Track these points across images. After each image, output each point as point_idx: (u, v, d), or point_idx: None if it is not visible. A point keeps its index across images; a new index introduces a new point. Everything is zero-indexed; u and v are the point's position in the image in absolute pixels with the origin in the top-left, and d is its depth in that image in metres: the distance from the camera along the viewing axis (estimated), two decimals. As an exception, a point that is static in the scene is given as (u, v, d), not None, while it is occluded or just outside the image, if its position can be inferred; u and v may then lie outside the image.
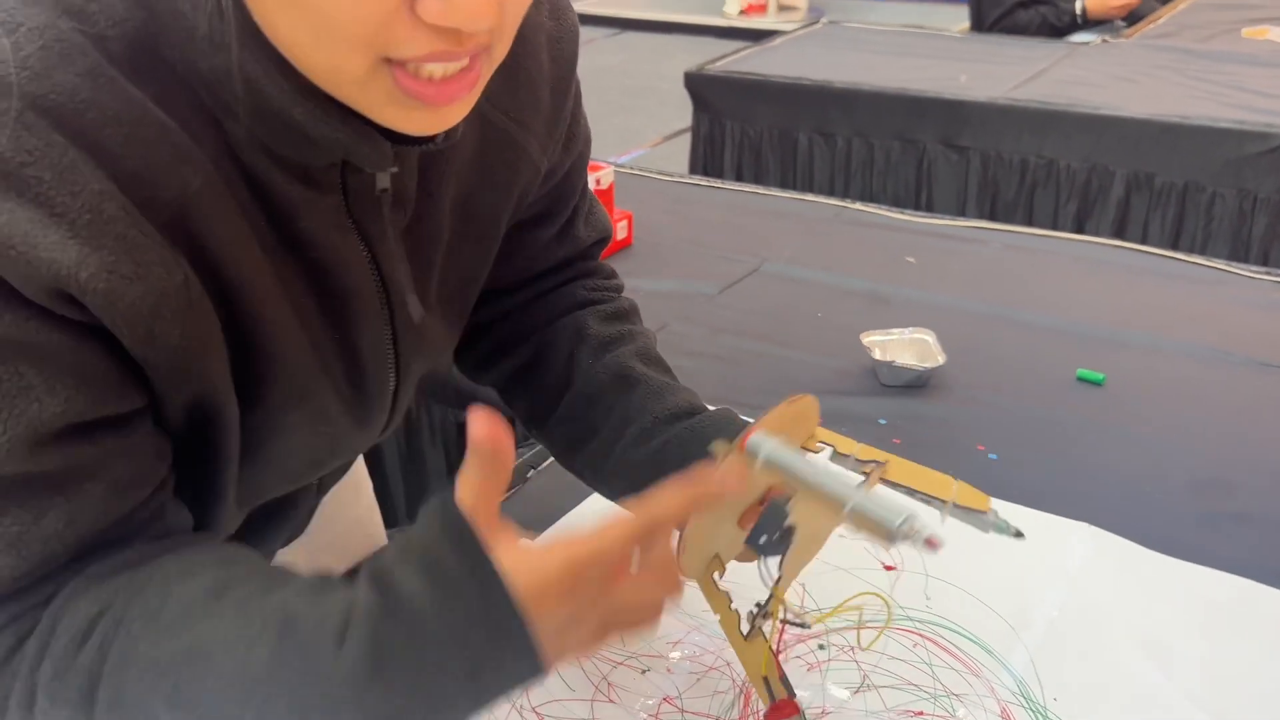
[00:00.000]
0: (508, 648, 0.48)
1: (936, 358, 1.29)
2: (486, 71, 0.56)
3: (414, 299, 0.70)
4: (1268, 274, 1.57)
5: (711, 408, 0.82)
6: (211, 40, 0.52)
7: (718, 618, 0.71)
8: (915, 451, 1.15)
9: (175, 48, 0.52)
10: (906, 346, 1.32)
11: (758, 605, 0.72)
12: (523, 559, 0.48)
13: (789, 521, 0.69)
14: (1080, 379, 1.29)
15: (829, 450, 0.73)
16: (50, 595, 0.54)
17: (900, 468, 0.69)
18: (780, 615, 0.72)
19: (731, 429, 0.78)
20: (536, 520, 1.00)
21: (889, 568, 0.95)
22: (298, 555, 0.88)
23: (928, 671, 0.84)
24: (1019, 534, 0.67)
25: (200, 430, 0.59)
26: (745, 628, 0.71)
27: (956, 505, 0.67)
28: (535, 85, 0.72)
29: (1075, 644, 0.87)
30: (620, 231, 1.68)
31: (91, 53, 0.50)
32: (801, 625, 0.78)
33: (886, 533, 0.61)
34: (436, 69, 0.52)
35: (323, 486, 0.86)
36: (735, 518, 0.70)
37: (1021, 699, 0.81)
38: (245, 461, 0.62)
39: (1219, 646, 0.86)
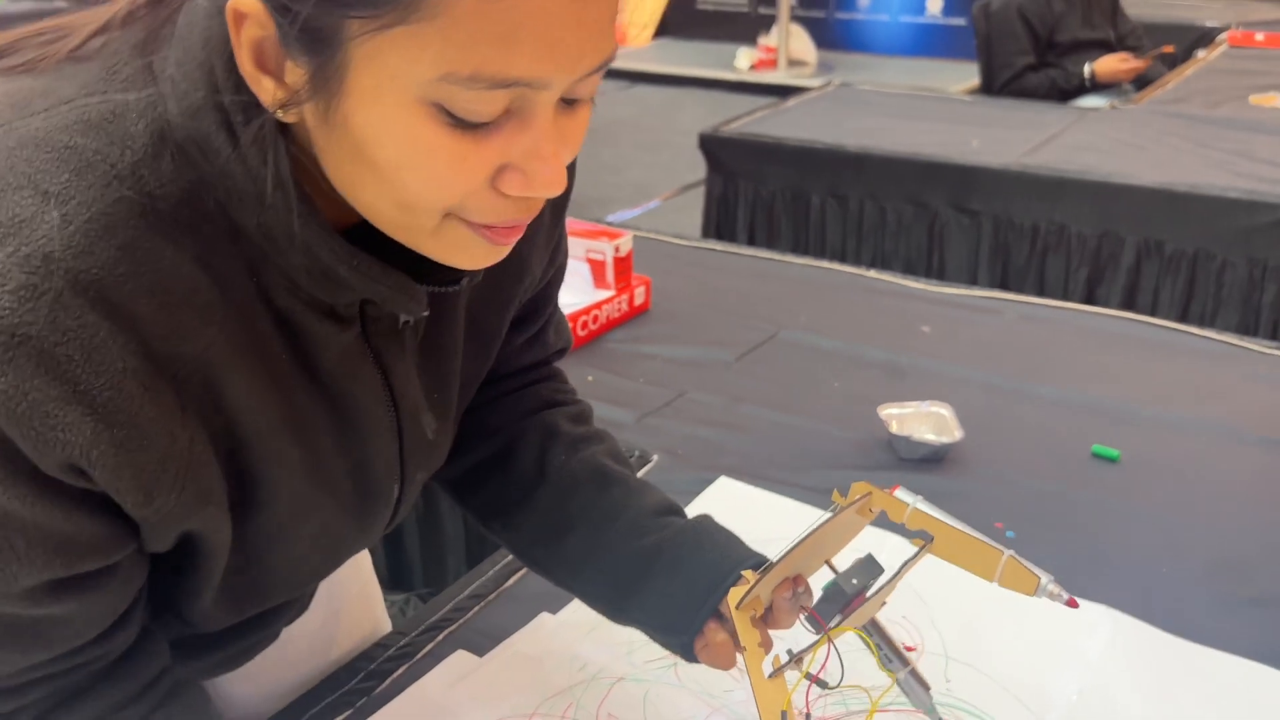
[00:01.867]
0: None
1: (954, 432, 1.30)
2: None
3: (429, 417, 0.72)
4: (1277, 348, 1.58)
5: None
6: (261, 201, 0.54)
7: (743, 652, 0.71)
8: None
9: (222, 204, 0.55)
10: (923, 420, 1.33)
11: (789, 652, 0.72)
12: None
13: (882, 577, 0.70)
14: (1095, 455, 1.31)
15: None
16: (31, 703, 0.58)
17: (948, 543, 0.68)
18: (808, 669, 0.71)
19: (719, 538, 0.79)
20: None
21: (910, 648, 0.96)
22: (303, 630, 0.89)
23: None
24: (1073, 602, 0.67)
25: (183, 554, 0.62)
26: (769, 669, 0.71)
27: (1000, 584, 0.68)
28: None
29: (1095, 731, 0.87)
30: (639, 297, 1.70)
31: (135, 221, 0.52)
32: (824, 685, 0.78)
33: (1034, 586, 0.64)
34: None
35: None
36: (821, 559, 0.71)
37: (1043, 787, 0.82)
38: (244, 570, 0.65)
39: (1238, 735, 0.87)
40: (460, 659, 0.97)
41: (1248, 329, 2.25)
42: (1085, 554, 1.12)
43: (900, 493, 0.69)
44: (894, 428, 1.31)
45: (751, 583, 0.70)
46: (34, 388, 0.49)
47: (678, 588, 0.76)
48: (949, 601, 0.99)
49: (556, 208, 0.80)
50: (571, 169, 0.79)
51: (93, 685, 0.61)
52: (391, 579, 1.58)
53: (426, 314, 0.66)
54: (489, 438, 0.86)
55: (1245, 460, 1.30)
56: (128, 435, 0.52)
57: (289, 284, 0.58)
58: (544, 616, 1.01)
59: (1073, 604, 0.67)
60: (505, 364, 0.86)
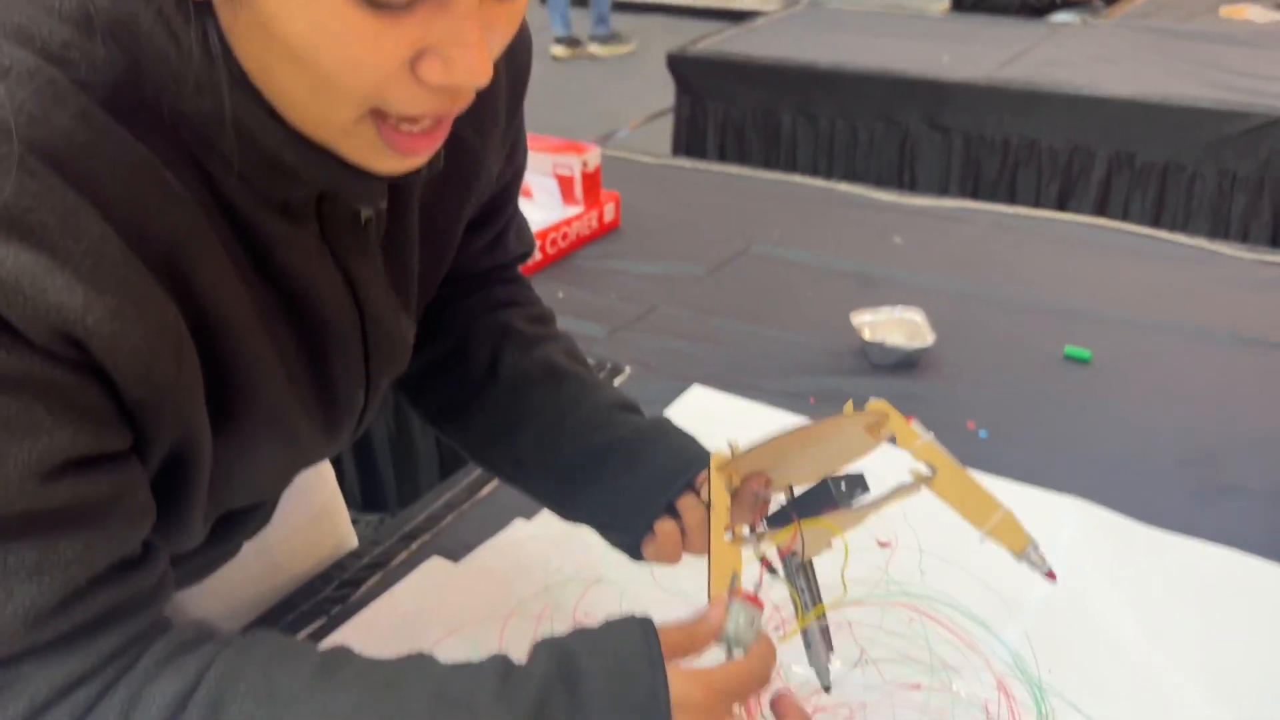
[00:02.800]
0: None
1: (926, 337, 1.30)
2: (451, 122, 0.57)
3: (405, 317, 0.70)
4: (1249, 251, 1.58)
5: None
6: (198, 85, 0.52)
7: (708, 504, 0.69)
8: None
9: (158, 91, 0.52)
10: (896, 326, 1.33)
11: (752, 530, 0.71)
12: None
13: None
14: (1068, 356, 1.31)
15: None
16: (105, 657, 0.53)
17: (949, 483, 0.66)
18: (763, 552, 0.70)
19: (675, 436, 0.77)
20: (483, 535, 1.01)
21: (883, 544, 0.96)
22: (263, 545, 0.88)
23: (924, 645, 0.86)
24: (1051, 575, 0.66)
25: (174, 468, 0.59)
26: (729, 536, 0.69)
27: (990, 538, 0.66)
28: (494, 97, 0.73)
29: (1068, 617, 0.88)
30: (608, 214, 1.68)
31: (79, 96, 0.49)
32: (772, 571, 0.76)
33: (1023, 546, 0.64)
34: (418, 124, 0.54)
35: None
36: (816, 467, 0.70)
37: (1017, 671, 0.83)
38: (212, 485, 0.63)
39: (1209, 618, 0.88)
40: (435, 565, 0.96)
41: (1218, 239, 2.26)
42: (1058, 451, 1.12)
43: (916, 424, 0.68)
44: (866, 334, 1.31)
45: (735, 450, 0.69)
46: (10, 255, 0.46)
47: (629, 484, 0.75)
48: (922, 498, 0.99)
49: (512, 103, 0.77)
50: (526, 56, 0.76)
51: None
52: (365, 501, 1.57)
53: (384, 205, 0.64)
54: (442, 337, 0.83)
55: (1215, 358, 1.31)
56: (119, 304, 0.49)
57: (238, 178, 0.56)
58: (518, 522, 1.00)
59: (1051, 576, 0.66)
60: (464, 268, 0.84)
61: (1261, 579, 0.92)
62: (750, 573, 0.67)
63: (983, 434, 1.16)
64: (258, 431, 0.62)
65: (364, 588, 0.94)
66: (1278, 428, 1.16)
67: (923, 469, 0.66)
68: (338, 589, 0.93)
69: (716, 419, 1.19)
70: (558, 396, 0.80)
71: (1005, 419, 1.18)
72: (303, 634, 0.88)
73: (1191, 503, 1.03)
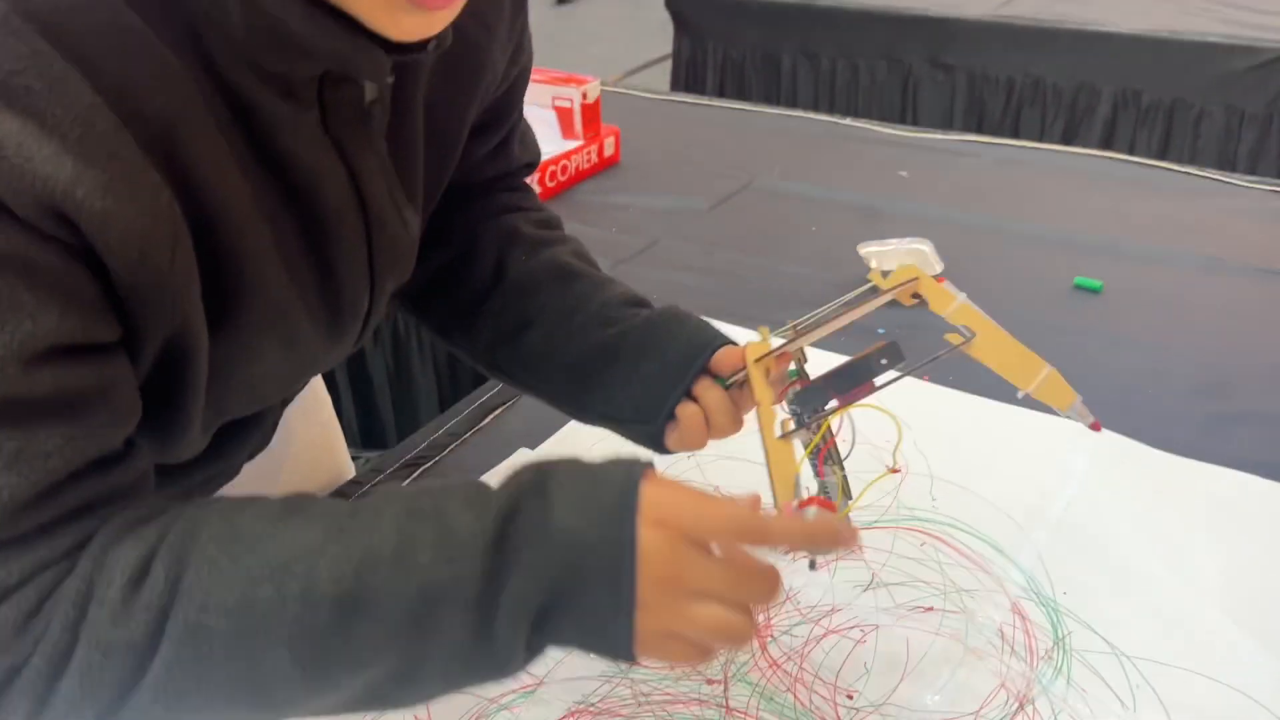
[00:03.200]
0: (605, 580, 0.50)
1: (934, 267, 1.27)
2: None
3: (411, 211, 0.67)
4: (1260, 183, 1.56)
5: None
6: None
7: (757, 408, 0.67)
8: (914, 361, 1.14)
9: None
10: (903, 257, 1.30)
11: (798, 417, 0.66)
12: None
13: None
14: (1077, 287, 1.29)
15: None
16: (77, 543, 0.51)
17: (990, 344, 0.63)
18: (824, 435, 0.67)
19: (689, 320, 0.76)
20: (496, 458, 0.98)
21: (894, 470, 0.95)
22: (261, 472, 0.86)
23: (937, 569, 0.84)
24: (1096, 425, 0.64)
25: (169, 367, 0.56)
26: (779, 431, 0.66)
27: (1033, 397, 0.64)
28: None
29: (1083, 540, 0.87)
30: (608, 148, 1.65)
31: None
32: (830, 459, 0.73)
33: (1069, 401, 0.63)
34: None
35: (287, 398, 0.84)
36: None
37: (1032, 594, 0.81)
38: (212, 387, 0.60)
39: (1224, 541, 0.86)
40: (437, 494, 0.94)
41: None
42: (1070, 380, 1.09)
43: (948, 285, 0.65)
44: (874, 264, 1.28)
45: (766, 339, 0.67)
46: None
47: (646, 373, 0.73)
48: (932, 426, 0.97)
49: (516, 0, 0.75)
50: None
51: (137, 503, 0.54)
52: (364, 438, 1.55)
53: (389, 91, 0.61)
54: (446, 246, 0.81)
55: (1227, 288, 1.29)
56: (111, 179, 0.46)
57: (237, 54, 0.53)
58: (522, 451, 0.98)
59: (1096, 427, 0.64)
60: (468, 175, 0.81)
61: (1275, 503, 0.91)
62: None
63: (993, 363, 1.14)
64: (258, 330, 0.59)
65: (365, 516, 0.92)
66: (1292, 356, 1.14)
67: (960, 332, 0.64)
68: (339, 517, 0.91)
69: (721, 350, 1.17)
70: (566, 295, 0.77)
71: (1015, 348, 1.16)
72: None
73: (1204, 430, 1.01)
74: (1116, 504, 0.90)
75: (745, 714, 0.72)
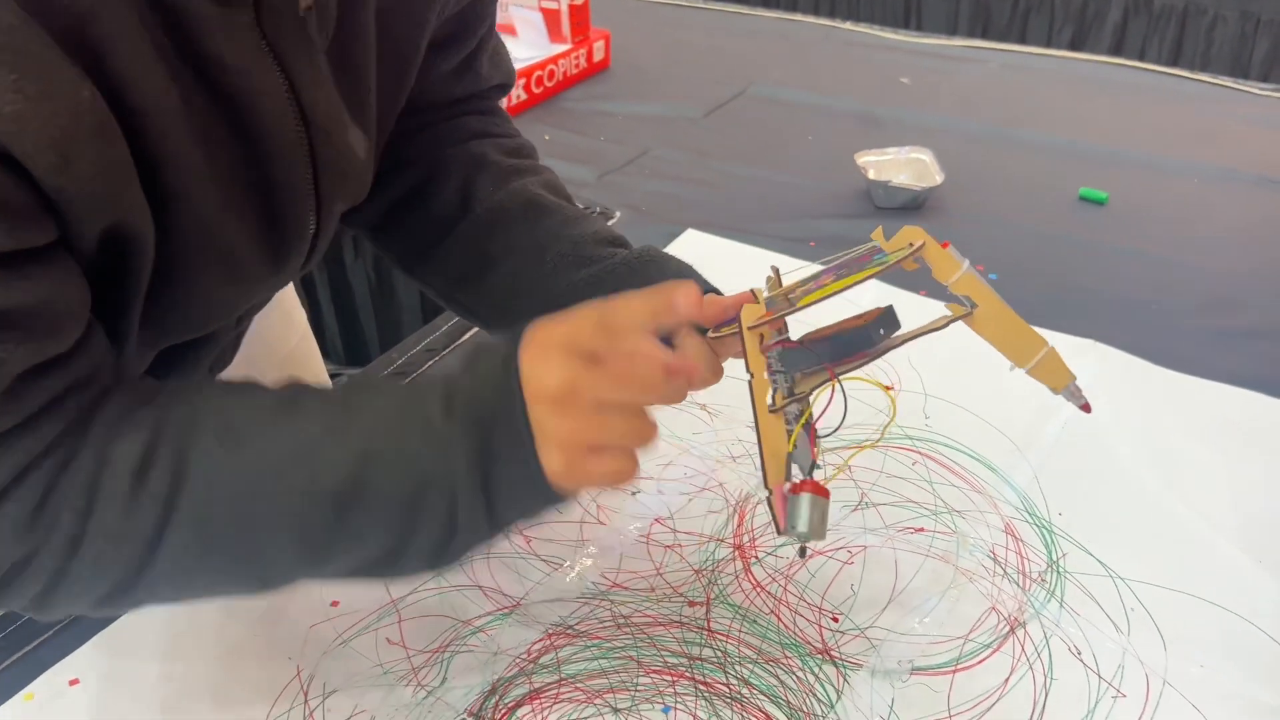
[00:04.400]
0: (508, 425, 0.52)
1: (934, 177, 1.23)
2: None
3: (357, 131, 0.63)
4: (1274, 90, 1.50)
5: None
6: None
7: (749, 378, 0.62)
8: (912, 274, 1.09)
9: None
10: (903, 166, 1.25)
11: (789, 390, 0.62)
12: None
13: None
14: (1082, 198, 1.24)
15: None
16: (62, 432, 0.50)
17: (991, 318, 0.59)
18: (809, 415, 0.63)
19: (669, 263, 0.71)
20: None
21: (887, 388, 0.91)
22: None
23: (928, 489, 0.81)
24: (1087, 408, 0.61)
25: (106, 265, 0.53)
26: (771, 402, 0.62)
27: (1030, 375, 0.61)
28: None
29: (1081, 460, 0.84)
30: (598, 52, 1.58)
31: None
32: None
33: (1065, 382, 0.60)
34: None
35: (241, 317, 0.80)
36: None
37: (1026, 515, 0.79)
38: (149, 301, 0.57)
39: (1225, 459, 0.83)
40: (414, 411, 0.91)
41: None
42: (1072, 293, 1.07)
43: (953, 250, 0.60)
44: (872, 174, 1.23)
45: (764, 302, 0.62)
46: None
47: None
48: (927, 341, 0.93)
49: None
50: None
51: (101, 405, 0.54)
52: (347, 355, 1.52)
53: None
54: (408, 170, 0.76)
55: (1238, 199, 1.24)
56: (20, 79, 0.43)
57: None
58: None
59: (1086, 409, 0.61)
60: (430, 95, 0.75)
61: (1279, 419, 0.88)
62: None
63: (993, 276, 1.10)
64: (189, 248, 0.55)
65: (339, 433, 0.89)
66: (1303, 269, 1.10)
67: (962, 302, 0.60)
68: (311, 434, 0.88)
69: (712, 263, 1.12)
70: (536, 231, 0.73)
71: (1017, 261, 1.12)
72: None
73: (1210, 346, 0.98)
74: (1117, 423, 0.87)
75: (727, 637, 0.70)
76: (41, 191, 0.46)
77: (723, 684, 0.67)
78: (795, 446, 0.59)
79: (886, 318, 0.61)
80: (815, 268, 0.64)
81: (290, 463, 0.51)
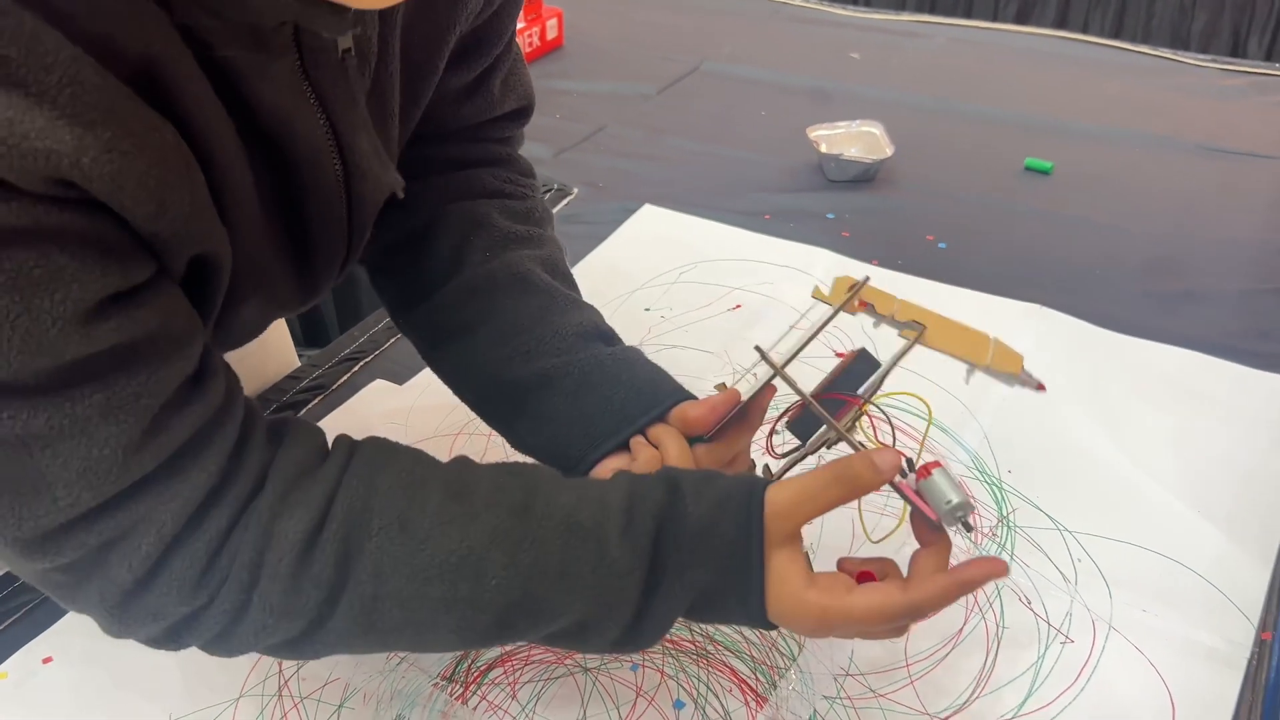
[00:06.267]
0: (741, 600, 0.54)
1: (884, 150, 1.25)
2: None
3: (394, 173, 0.62)
4: (1213, 61, 1.54)
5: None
6: None
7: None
8: (864, 245, 1.13)
9: None
10: (854, 139, 1.28)
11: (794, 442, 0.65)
12: (789, 577, 0.54)
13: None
14: (1028, 168, 1.27)
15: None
16: (216, 477, 0.51)
17: (939, 331, 0.63)
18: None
19: (642, 365, 0.68)
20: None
21: (839, 355, 0.94)
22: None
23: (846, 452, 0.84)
24: (1041, 387, 0.64)
25: (192, 285, 0.53)
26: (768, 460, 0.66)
27: (989, 369, 0.64)
28: None
29: (1028, 420, 0.87)
30: (550, 30, 1.59)
31: None
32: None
33: (1020, 365, 0.63)
34: None
35: None
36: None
37: (977, 472, 0.82)
38: None
39: (1167, 416, 0.87)
40: (378, 387, 0.92)
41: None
42: (1019, 261, 1.10)
43: (874, 283, 0.64)
44: (823, 148, 1.25)
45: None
46: None
47: (575, 414, 0.66)
48: (850, 327, 0.96)
49: None
50: None
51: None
52: (307, 337, 1.52)
53: (373, 34, 0.57)
54: (411, 215, 0.73)
55: (1177, 167, 1.28)
56: (113, 136, 0.43)
57: (203, 6, 0.48)
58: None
59: (1041, 388, 0.64)
60: (440, 119, 0.72)
61: (1222, 379, 0.91)
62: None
63: (942, 245, 1.13)
64: (236, 276, 0.55)
65: (304, 411, 0.90)
66: (1239, 233, 1.14)
67: (912, 327, 0.63)
68: (275, 413, 0.89)
69: (669, 237, 1.15)
70: (518, 308, 0.69)
71: (965, 231, 1.15)
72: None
73: (1154, 309, 1.01)
74: (1063, 384, 0.90)
75: (692, 598, 0.72)
76: (139, 234, 0.47)
77: (688, 641, 0.69)
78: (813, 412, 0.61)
79: (864, 357, 0.64)
80: (795, 336, 0.65)
81: (458, 572, 0.52)
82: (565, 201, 1.23)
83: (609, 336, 0.70)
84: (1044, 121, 1.38)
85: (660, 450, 0.64)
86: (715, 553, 0.53)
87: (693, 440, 0.64)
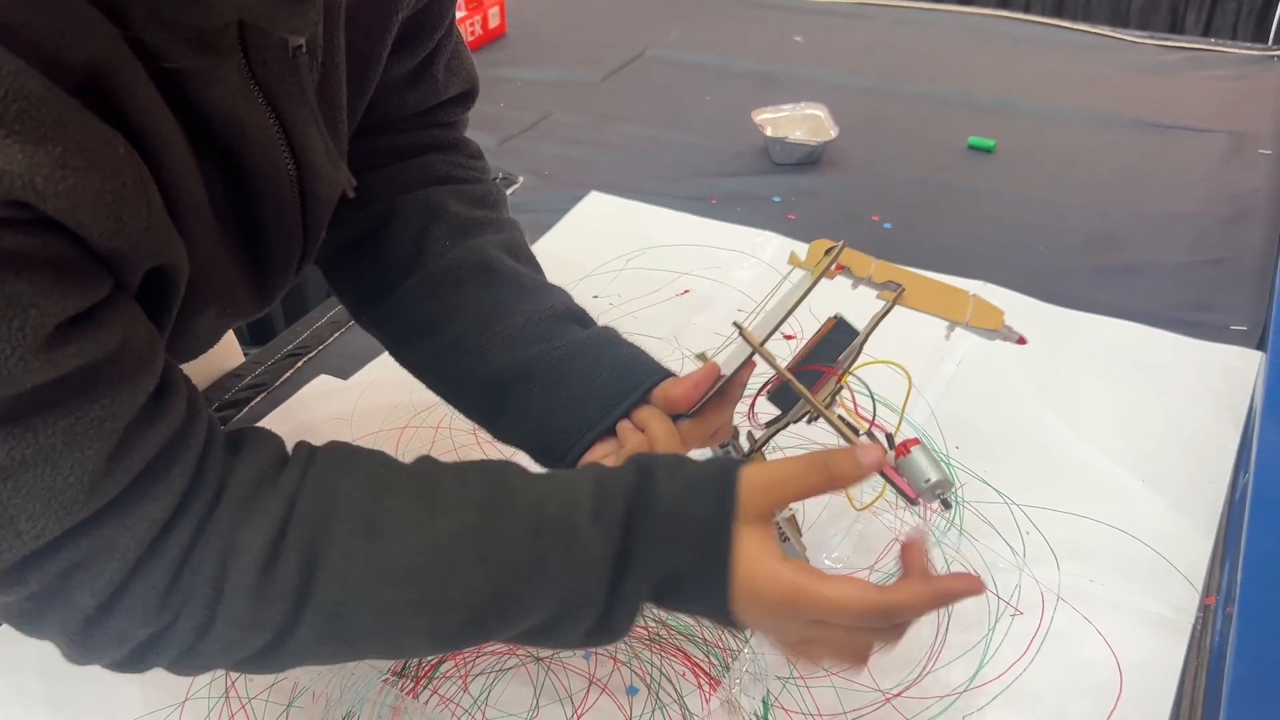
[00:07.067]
0: (706, 585, 0.52)
1: (829, 132, 1.25)
2: None
3: (345, 171, 0.61)
4: (1150, 38, 1.56)
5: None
6: None
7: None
8: (811, 227, 1.13)
9: None
10: (799, 123, 1.28)
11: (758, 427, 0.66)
12: (760, 554, 0.51)
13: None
14: (971, 147, 1.28)
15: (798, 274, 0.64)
16: (182, 495, 0.49)
17: (918, 290, 0.62)
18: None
19: (620, 347, 0.67)
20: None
21: (788, 336, 0.94)
22: None
23: (828, 427, 0.84)
24: (1022, 340, 0.64)
25: (147, 298, 0.52)
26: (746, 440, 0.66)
27: (969, 326, 0.64)
28: None
29: (976, 396, 0.87)
30: (493, 19, 1.57)
31: None
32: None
33: (1000, 320, 0.63)
34: None
35: None
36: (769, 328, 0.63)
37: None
38: None
39: (1110, 388, 0.88)
40: (323, 383, 0.91)
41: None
42: (963, 238, 1.10)
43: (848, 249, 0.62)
44: (769, 131, 1.25)
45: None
46: None
47: (560, 403, 0.65)
48: (823, 291, 0.96)
49: None
50: None
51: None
52: (254, 338, 1.49)
53: (319, 32, 0.55)
54: (366, 210, 0.71)
55: (1117, 143, 1.29)
56: (65, 151, 0.41)
57: (144, 7, 0.46)
58: (410, 335, 0.95)
59: (1022, 341, 0.64)
60: (385, 108, 0.71)
61: (1164, 350, 0.92)
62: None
63: (887, 225, 1.13)
64: (191, 285, 0.54)
65: (247, 409, 0.88)
66: (1178, 207, 1.15)
67: (890, 288, 0.62)
68: (218, 410, 0.87)
69: (617, 223, 1.14)
70: (485, 299, 0.68)
71: (910, 210, 1.15)
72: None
73: (1096, 282, 1.02)
74: (1008, 359, 0.90)
75: (644, 583, 0.71)
76: (96, 252, 0.46)
77: (641, 627, 0.69)
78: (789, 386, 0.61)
79: (841, 325, 0.64)
80: (768, 308, 0.64)
81: (426, 572, 0.51)
82: (511, 190, 1.22)
83: (581, 317, 0.69)
84: (986, 101, 1.39)
85: (647, 433, 0.63)
86: (687, 526, 0.52)
87: (676, 417, 0.64)
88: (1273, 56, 1.49)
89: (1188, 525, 0.75)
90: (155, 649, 0.51)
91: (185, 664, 0.52)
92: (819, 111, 1.28)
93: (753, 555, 0.51)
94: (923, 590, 0.52)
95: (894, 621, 0.52)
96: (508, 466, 0.55)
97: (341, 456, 0.54)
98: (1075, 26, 1.60)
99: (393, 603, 0.51)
